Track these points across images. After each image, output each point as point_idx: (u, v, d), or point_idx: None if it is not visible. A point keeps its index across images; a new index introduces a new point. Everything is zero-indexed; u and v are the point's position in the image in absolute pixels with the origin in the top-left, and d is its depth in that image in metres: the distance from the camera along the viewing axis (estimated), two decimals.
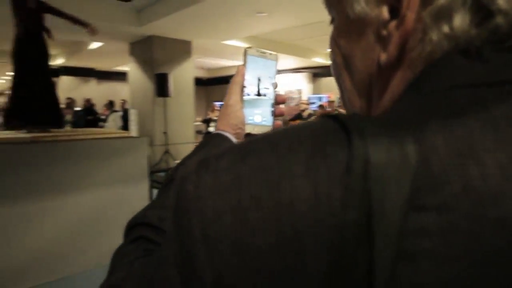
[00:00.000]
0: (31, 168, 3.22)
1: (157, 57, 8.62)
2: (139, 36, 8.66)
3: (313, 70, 14.45)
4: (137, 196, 3.96)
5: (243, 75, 0.65)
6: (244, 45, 10.02)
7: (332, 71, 0.47)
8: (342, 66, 0.43)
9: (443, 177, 0.26)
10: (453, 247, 0.25)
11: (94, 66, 14.51)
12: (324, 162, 0.28)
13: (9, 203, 3.11)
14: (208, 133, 9.22)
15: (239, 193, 0.29)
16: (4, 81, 21.83)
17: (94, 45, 10.16)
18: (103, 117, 9.37)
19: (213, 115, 9.58)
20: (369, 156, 0.27)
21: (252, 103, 0.65)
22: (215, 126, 0.67)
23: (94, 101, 10.95)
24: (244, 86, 0.65)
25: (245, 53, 0.66)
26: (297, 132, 0.31)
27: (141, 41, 8.96)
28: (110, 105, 8.78)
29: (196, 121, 10.43)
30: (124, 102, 9.41)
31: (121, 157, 3.75)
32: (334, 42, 0.44)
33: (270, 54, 0.67)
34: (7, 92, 22.74)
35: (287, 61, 13.00)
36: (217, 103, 14.43)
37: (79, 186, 3.50)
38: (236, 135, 0.63)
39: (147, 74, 8.95)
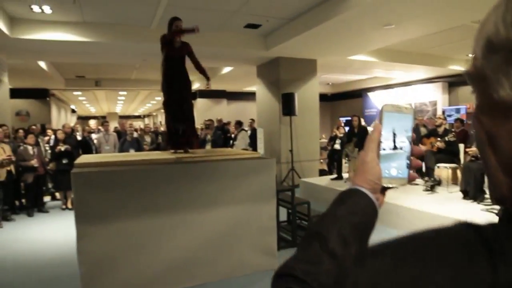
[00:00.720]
0: (174, 185, 3.61)
1: (283, 77, 8.93)
2: (266, 58, 9.10)
3: (449, 79, 13.11)
4: (266, 214, 4.10)
5: (379, 132, 0.67)
6: (370, 59, 9.70)
7: (475, 144, 0.45)
8: (485, 143, 0.44)
9: None
10: None
11: (224, 88, 15.76)
12: (468, 281, 0.31)
13: (157, 215, 3.53)
14: (334, 151, 9.08)
15: None
16: (151, 105, 25.40)
17: (226, 69, 11.05)
18: (233, 135, 10.03)
19: (339, 132, 9.42)
20: None
21: (388, 157, 0.66)
22: (351, 179, 0.69)
23: (224, 120, 11.88)
24: (381, 142, 0.66)
25: (381, 111, 0.67)
26: (440, 241, 0.36)
27: (268, 63, 9.40)
28: (239, 124, 9.38)
29: (322, 138, 10.43)
30: (252, 121, 9.95)
31: (251, 177, 3.94)
32: (477, 119, 0.45)
33: (406, 108, 0.68)
34: (154, 113, 25.95)
35: (418, 71, 12.14)
36: (342, 119, 14.21)
37: (214, 202, 3.78)
38: (373, 190, 0.64)
39: (273, 94, 9.32)
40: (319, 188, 7.51)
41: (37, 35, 6.70)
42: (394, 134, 0.67)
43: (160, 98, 18.84)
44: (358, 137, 7.62)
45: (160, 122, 24.48)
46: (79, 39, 6.91)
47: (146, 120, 35.01)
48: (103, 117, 29.67)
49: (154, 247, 3.51)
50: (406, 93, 14.26)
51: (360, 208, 0.61)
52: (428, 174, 6.65)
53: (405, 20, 6.24)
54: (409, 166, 0.68)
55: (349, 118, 15.58)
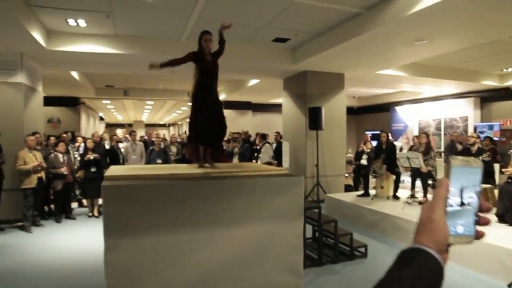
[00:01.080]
0: (201, 200, 3.59)
1: (310, 91, 8.88)
2: (293, 71, 9.08)
3: (481, 94, 12.68)
4: (292, 233, 4.01)
5: (447, 188, 0.64)
6: (399, 73, 9.53)
7: None
8: None
9: None
10: None
11: (250, 99, 15.82)
12: None
13: (183, 230, 3.50)
14: (361, 167, 8.92)
15: None
16: (176, 114, 25.81)
17: (252, 82, 11.09)
18: (257, 147, 10.00)
19: (366, 148, 9.25)
20: None
21: (454, 214, 0.64)
22: (414, 237, 0.64)
23: (249, 131, 11.88)
24: (448, 198, 0.64)
25: (449, 165, 0.65)
26: None
27: (295, 76, 9.37)
28: (263, 137, 9.35)
29: (348, 153, 10.27)
30: (277, 134, 9.90)
31: (279, 194, 3.87)
32: None
33: (474, 161, 0.65)
34: (179, 123, 26.30)
35: (448, 85, 11.83)
36: (368, 133, 13.98)
37: (240, 219, 3.73)
38: (439, 250, 0.61)
39: (300, 107, 9.27)
40: (345, 204, 7.37)
41: (71, 47, 6.90)
42: (462, 189, 0.64)
43: (186, 108, 19.06)
44: (386, 153, 7.46)
45: (185, 132, 24.77)
46: (111, 51, 7.08)
47: (171, 129, 35.54)
48: (130, 125, 30.32)
49: (180, 262, 3.49)
50: (436, 108, 13.89)
51: (427, 272, 0.57)
52: None
53: (439, 36, 6.10)
54: (477, 223, 0.65)
55: (376, 132, 15.42)
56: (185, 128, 28.64)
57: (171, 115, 26.96)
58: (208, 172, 3.92)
